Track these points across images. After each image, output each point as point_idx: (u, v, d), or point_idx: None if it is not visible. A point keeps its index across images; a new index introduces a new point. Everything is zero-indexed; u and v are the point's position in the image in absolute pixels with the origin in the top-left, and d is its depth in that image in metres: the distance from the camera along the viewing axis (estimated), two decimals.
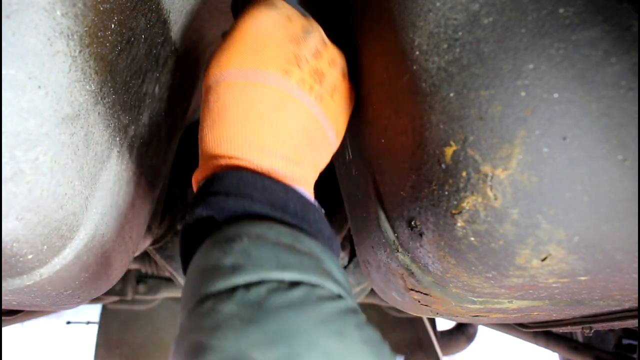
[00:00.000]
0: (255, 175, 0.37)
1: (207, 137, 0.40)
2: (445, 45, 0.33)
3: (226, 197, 0.36)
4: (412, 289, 0.46)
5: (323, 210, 0.40)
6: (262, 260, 0.30)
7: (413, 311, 0.56)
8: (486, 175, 0.30)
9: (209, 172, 0.40)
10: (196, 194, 0.39)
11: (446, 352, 1.99)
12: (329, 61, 0.43)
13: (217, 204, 0.36)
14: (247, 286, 0.29)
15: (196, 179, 0.42)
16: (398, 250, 0.43)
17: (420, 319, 1.85)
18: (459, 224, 0.33)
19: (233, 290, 0.29)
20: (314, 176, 0.43)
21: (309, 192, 0.41)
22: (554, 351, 1.22)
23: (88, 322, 2.00)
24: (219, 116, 0.40)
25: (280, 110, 0.39)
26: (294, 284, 0.29)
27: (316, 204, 0.40)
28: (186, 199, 1.22)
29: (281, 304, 0.28)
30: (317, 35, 0.42)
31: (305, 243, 0.34)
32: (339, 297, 0.31)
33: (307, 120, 0.41)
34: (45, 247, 0.35)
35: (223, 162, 0.39)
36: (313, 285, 0.30)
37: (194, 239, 0.38)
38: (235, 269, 0.30)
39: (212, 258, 0.32)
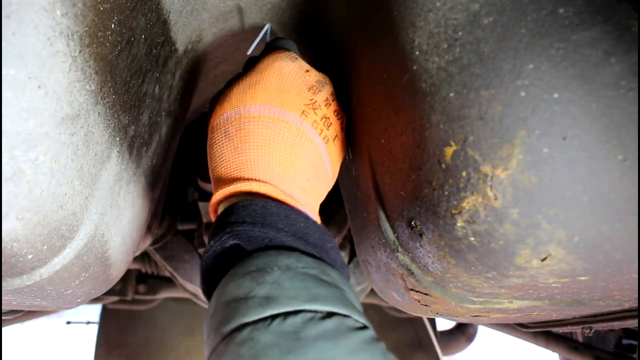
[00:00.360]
0: (278, 204, 0.40)
1: (229, 162, 0.44)
2: (445, 45, 0.33)
3: (252, 226, 0.38)
4: (412, 289, 0.46)
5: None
6: (294, 291, 0.32)
7: (413, 311, 0.56)
8: (486, 175, 0.30)
9: (229, 194, 0.43)
10: (219, 221, 0.41)
11: (446, 352, 1.99)
12: (334, 112, 0.49)
13: (244, 234, 0.38)
14: (284, 316, 0.30)
15: (215, 202, 0.45)
16: (398, 250, 0.43)
17: (420, 319, 1.85)
18: (459, 224, 0.33)
19: (269, 319, 0.30)
20: (318, 207, 0.48)
21: (316, 219, 0.44)
22: (554, 351, 1.22)
23: (88, 322, 2.00)
24: (243, 143, 0.43)
25: (298, 145, 0.44)
26: (327, 315, 0.31)
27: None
28: (186, 199, 1.22)
29: (316, 334, 0.29)
30: (329, 88, 0.49)
31: (329, 274, 0.36)
32: (365, 327, 0.32)
33: (316, 157, 0.45)
34: (45, 247, 0.35)
35: (245, 186, 0.42)
36: (344, 316, 0.31)
37: (218, 265, 0.40)
38: (269, 300, 0.31)
39: (245, 287, 0.33)
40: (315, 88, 0.47)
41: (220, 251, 0.40)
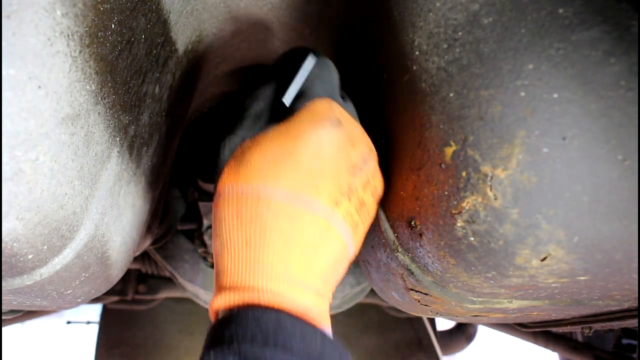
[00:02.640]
0: (293, 320, 0.35)
1: (239, 257, 0.37)
2: (445, 45, 0.33)
3: (264, 347, 0.33)
4: (412, 289, 0.46)
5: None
6: None
7: (413, 311, 0.56)
8: (486, 175, 0.30)
9: (238, 303, 0.37)
10: (223, 325, 0.35)
11: (446, 352, 1.99)
12: (372, 191, 0.42)
13: (252, 354, 0.32)
14: None
15: (217, 307, 0.38)
16: (398, 250, 0.43)
17: (420, 319, 1.85)
18: (458, 224, 0.33)
19: None
20: (330, 298, 0.42)
21: (328, 326, 0.39)
22: (553, 351, 1.22)
23: (88, 322, 2.00)
24: (257, 239, 0.37)
25: (322, 243, 0.38)
26: None
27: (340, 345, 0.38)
28: (186, 199, 1.22)
29: None
30: (372, 163, 0.41)
31: None
32: None
33: (340, 252, 0.40)
34: (45, 247, 0.35)
35: (255, 294, 0.36)
36: None
37: None
38: None
39: None
40: (357, 168, 0.39)
41: None
